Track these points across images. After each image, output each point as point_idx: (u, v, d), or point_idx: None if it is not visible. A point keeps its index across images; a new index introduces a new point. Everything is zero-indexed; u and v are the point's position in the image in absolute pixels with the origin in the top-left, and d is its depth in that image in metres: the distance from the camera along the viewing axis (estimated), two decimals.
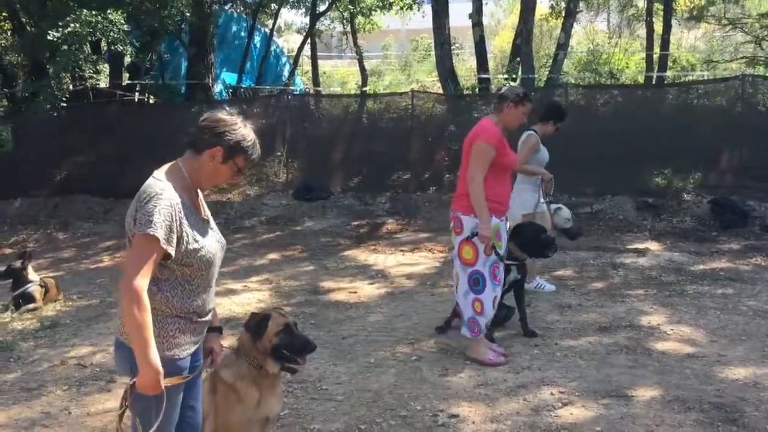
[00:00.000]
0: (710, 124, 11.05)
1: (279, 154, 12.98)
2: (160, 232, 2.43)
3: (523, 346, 5.26)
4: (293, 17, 25.30)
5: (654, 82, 15.61)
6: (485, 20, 16.07)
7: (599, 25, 26.33)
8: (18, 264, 7.16)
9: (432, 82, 20.67)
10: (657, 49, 16.42)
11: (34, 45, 11.82)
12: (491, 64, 17.91)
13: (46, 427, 4.22)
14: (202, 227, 2.63)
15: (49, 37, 10.58)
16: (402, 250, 9.13)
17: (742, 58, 18.86)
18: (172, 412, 2.65)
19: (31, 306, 6.99)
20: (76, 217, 12.16)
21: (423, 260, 8.59)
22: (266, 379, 3.02)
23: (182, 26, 13.96)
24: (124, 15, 11.25)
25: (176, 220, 2.49)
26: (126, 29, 11.39)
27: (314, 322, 6.06)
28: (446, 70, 13.72)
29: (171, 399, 2.61)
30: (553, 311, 6.11)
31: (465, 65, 24.04)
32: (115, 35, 11.14)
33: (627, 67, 19.69)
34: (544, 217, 6.54)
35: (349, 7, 17.79)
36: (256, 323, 3.02)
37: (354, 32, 19.30)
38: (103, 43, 13.46)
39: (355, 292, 7.10)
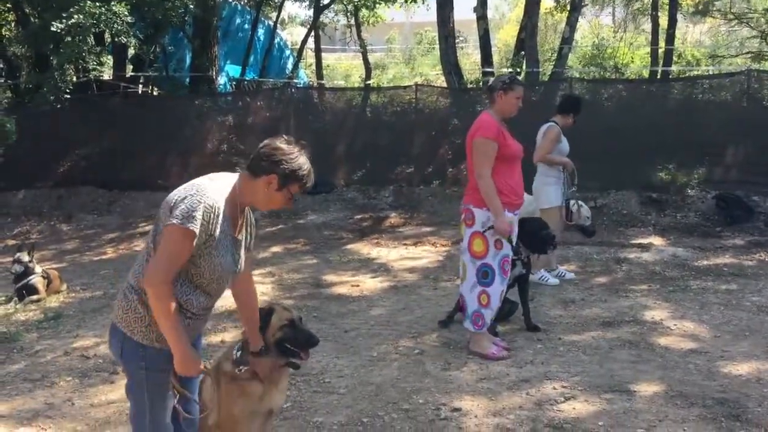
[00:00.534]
0: (715, 119, 10.99)
1: None
2: (198, 229, 2.47)
3: (526, 341, 5.25)
4: (297, 10, 25.29)
5: (659, 77, 15.53)
6: (490, 14, 16.01)
7: (604, 20, 26.24)
8: (26, 258, 7.16)
9: (436, 76, 20.62)
10: (662, 44, 16.34)
11: (38, 36, 11.81)
12: (496, 58, 17.87)
13: (49, 418, 4.24)
14: (228, 243, 2.64)
15: (52, 29, 10.57)
16: (405, 244, 9.13)
17: (747, 53, 18.77)
18: (161, 399, 2.68)
19: (34, 297, 7.02)
20: (79, 208, 12.18)
21: (426, 254, 8.58)
22: (270, 373, 3.01)
23: (186, 18, 13.93)
24: (128, 7, 11.24)
25: (212, 222, 2.52)
26: (130, 21, 11.37)
27: (317, 316, 6.06)
28: (450, 64, 13.66)
29: (159, 390, 2.66)
30: (557, 306, 6.11)
31: (469, 59, 23.99)
32: (119, 27, 11.13)
33: (632, 62, 19.61)
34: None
35: None
36: (260, 317, 3.02)
37: (358, 25, 19.23)
38: (107, 35, 13.46)
39: (358, 286, 7.10)
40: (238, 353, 2.97)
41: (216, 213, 2.53)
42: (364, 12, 18.88)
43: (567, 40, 13.93)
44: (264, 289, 7.01)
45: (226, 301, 6.35)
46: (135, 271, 2.67)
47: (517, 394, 4.31)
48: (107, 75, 15.56)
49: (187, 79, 15.43)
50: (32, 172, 12.85)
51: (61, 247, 10.24)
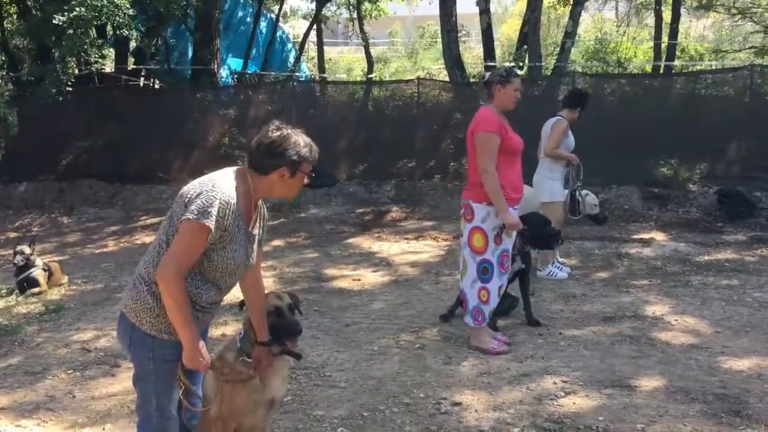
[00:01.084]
0: (718, 114, 10.97)
1: None
2: (213, 225, 2.49)
3: (526, 335, 5.25)
4: (299, 3, 25.10)
5: (662, 72, 15.49)
6: (492, 7, 15.95)
7: (607, 14, 26.12)
8: (28, 250, 7.16)
9: (438, 70, 20.55)
10: (665, 38, 16.28)
11: (40, 29, 11.80)
12: (498, 52, 17.80)
13: (50, 411, 4.25)
14: (242, 238, 2.66)
15: (54, 21, 10.54)
16: (406, 238, 9.12)
17: (751, 47, 18.72)
18: (167, 390, 2.71)
19: (35, 290, 7.02)
20: (81, 201, 12.19)
21: (427, 248, 8.57)
22: (269, 362, 3.02)
23: (188, 11, 13.89)
24: None
25: (227, 217, 2.54)
26: (132, 14, 11.34)
27: (318, 309, 6.07)
28: (453, 58, 13.62)
29: (165, 380, 2.68)
30: (558, 301, 6.10)
31: (472, 53, 23.91)
32: (121, 20, 11.10)
33: (635, 56, 19.54)
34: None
35: None
36: None
37: (360, 18, 19.16)
38: (109, 28, 13.44)
39: (359, 280, 7.10)
40: (240, 343, 2.98)
41: (231, 208, 2.54)
42: (366, 5, 18.82)
43: (570, 35, 13.88)
44: (265, 283, 6.94)
45: (228, 295, 6.36)
46: (145, 262, 2.68)
47: (518, 388, 4.31)
48: (109, 68, 15.54)
49: (189, 72, 15.40)
50: (34, 165, 12.85)
51: (63, 240, 10.25)
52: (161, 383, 2.68)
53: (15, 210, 12.06)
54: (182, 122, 13.04)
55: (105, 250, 9.44)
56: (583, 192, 6.89)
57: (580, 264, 7.41)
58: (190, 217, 2.47)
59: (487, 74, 4.98)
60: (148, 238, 9.54)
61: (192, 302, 2.62)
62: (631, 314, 5.66)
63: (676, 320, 5.49)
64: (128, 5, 11.05)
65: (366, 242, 9.00)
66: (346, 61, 26.56)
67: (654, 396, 4.12)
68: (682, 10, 17.45)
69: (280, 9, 19.33)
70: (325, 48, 21.57)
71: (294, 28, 25.92)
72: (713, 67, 16.87)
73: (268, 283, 7.01)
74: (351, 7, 19.62)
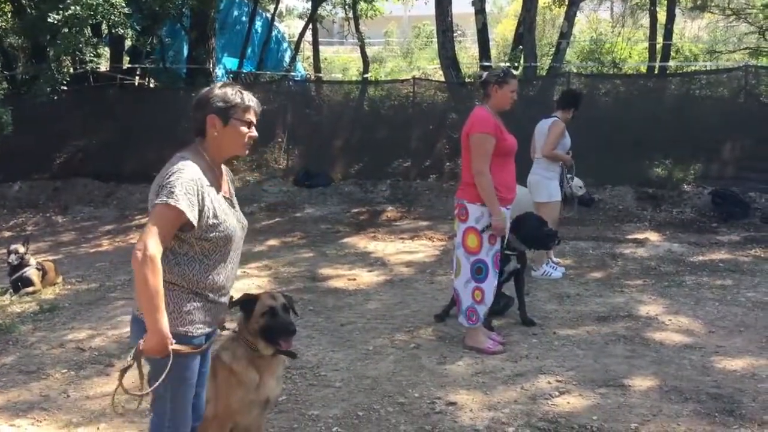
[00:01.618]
0: (712, 115, 11.02)
1: (279, 140, 12.94)
2: (182, 203, 2.50)
3: (521, 335, 5.26)
4: (295, 2, 25.13)
5: (656, 72, 15.54)
6: (488, 7, 15.98)
7: (602, 14, 26.17)
8: (22, 250, 7.15)
9: (434, 70, 20.59)
10: (660, 39, 16.33)
11: (35, 27, 11.76)
12: (494, 52, 17.85)
13: (44, 410, 4.24)
14: (223, 203, 2.70)
15: (49, 20, 10.50)
16: (402, 238, 9.13)
17: (745, 48, 18.81)
18: (187, 389, 2.71)
19: (30, 289, 7.01)
20: (76, 200, 12.16)
21: (422, 248, 8.58)
22: (264, 362, 3.04)
23: (183, 10, 13.86)
24: None
25: (198, 194, 2.56)
26: (127, 12, 11.32)
27: (313, 309, 6.07)
28: (448, 58, 13.63)
29: (183, 374, 2.66)
30: (552, 300, 6.12)
31: (467, 53, 23.94)
32: (116, 18, 11.07)
33: (630, 57, 19.61)
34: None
35: None
36: (244, 304, 3.06)
37: (356, 18, 19.17)
38: (104, 27, 13.40)
39: (354, 280, 7.10)
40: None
41: (198, 183, 2.57)
42: (362, 5, 18.84)
43: (565, 35, 13.91)
44: (260, 282, 7.01)
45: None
46: None
47: (512, 388, 4.32)
48: (104, 66, 15.47)
49: (184, 71, 15.37)
50: (28, 164, 12.82)
51: (57, 239, 10.22)
52: (176, 381, 2.66)
53: (9, 209, 12.03)
54: (177, 121, 12.98)
55: (100, 249, 9.42)
56: (568, 175, 6.91)
57: (574, 264, 7.43)
58: (157, 202, 2.52)
59: (484, 74, 4.98)
60: None
61: (213, 292, 2.67)
62: (625, 314, 5.67)
63: (670, 320, 5.51)
64: (123, 4, 11.01)
65: (361, 242, 9.00)
66: (341, 60, 26.58)
67: (648, 395, 4.14)
68: (677, 11, 17.50)
69: (275, 8, 19.30)
70: (321, 47, 21.57)
71: (289, 27, 25.91)
72: (708, 68, 16.92)
73: (263, 282, 7.01)
74: (347, 7, 19.63)
